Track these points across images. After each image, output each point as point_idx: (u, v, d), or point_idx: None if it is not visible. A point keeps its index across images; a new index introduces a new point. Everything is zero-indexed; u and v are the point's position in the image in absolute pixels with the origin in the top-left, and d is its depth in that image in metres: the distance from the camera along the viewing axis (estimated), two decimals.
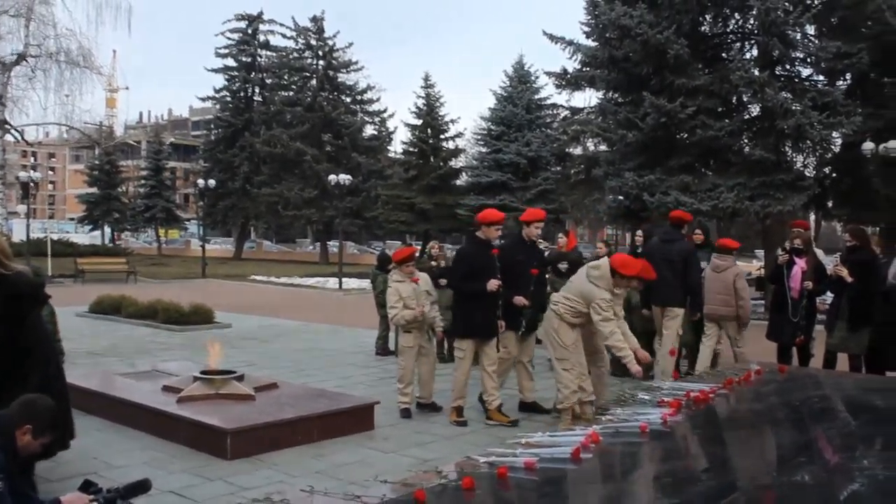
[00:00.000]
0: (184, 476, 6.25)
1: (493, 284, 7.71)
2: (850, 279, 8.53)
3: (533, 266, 8.28)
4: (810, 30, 23.96)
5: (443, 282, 10.76)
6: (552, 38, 26.97)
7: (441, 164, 47.15)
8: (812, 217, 30.63)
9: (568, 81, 27.36)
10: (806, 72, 24.76)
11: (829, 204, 26.52)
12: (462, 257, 8.46)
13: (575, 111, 30.00)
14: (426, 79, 47.46)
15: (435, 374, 8.89)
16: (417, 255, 9.43)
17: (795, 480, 4.20)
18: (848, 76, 24.22)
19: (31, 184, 33.79)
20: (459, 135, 48.96)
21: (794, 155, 24.59)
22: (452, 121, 47.73)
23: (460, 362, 8.14)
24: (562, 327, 7.44)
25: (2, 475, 3.70)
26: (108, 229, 63.16)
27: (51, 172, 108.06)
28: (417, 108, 47.34)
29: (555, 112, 38.98)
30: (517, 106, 41.82)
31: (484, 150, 44.02)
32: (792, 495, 3.98)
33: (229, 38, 53.63)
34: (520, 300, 7.93)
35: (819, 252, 10.10)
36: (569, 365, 7.45)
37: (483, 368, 8.16)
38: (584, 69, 26.68)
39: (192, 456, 6.76)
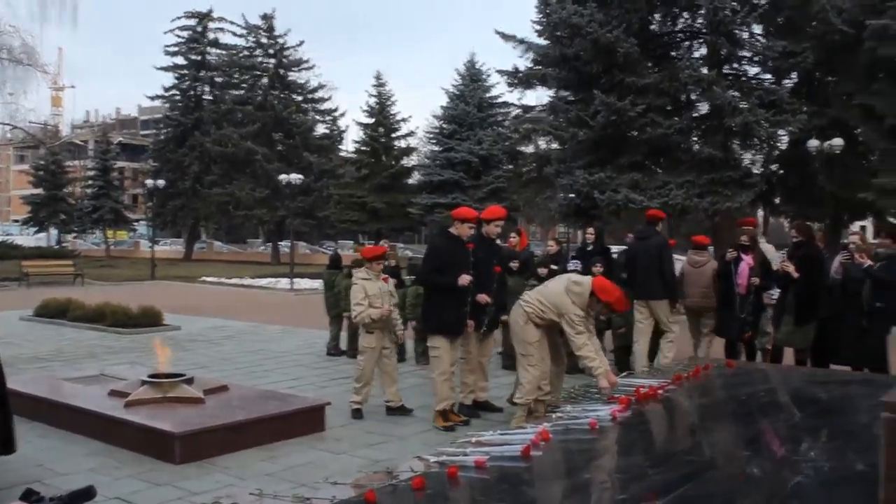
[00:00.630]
0: (131, 482, 6.15)
1: (464, 279, 7.65)
2: (796, 275, 8.66)
3: (494, 264, 8.28)
4: (757, 29, 24.39)
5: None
6: (504, 36, 27.12)
7: (393, 162, 47.16)
8: (760, 213, 31.11)
9: (519, 80, 27.55)
10: (753, 70, 25.21)
11: (776, 200, 27.00)
12: (433, 251, 8.26)
13: (527, 109, 30.21)
14: (378, 77, 47.51)
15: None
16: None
17: (743, 473, 4.25)
18: (794, 75, 24.71)
19: None
20: (411, 133, 49.10)
21: (741, 152, 25.00)
22: (404, 119, 47.85)
23: (437, 361, 7.87)
24: (528, 326, 7.42)
25: None
26: (53, 231, 62.02)
27: None
28: (369, 106, 47.32)
29: (506, 110, 39.27)
30: (469, 104, 41.95)
31: (436, 148, 44.09)
32: (739, 488, 4.03)
33: (178, 36, 53.06)
34: (483, 298, 7.90)
35: (768, 247, 10.24)
36: (533, 361, 7.39)
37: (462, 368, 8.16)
38: (535, 67, 26.89)
39: (140, 461, 6.65)
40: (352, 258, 13.66)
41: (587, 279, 7.45)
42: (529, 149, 32.55)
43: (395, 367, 8.70)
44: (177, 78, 53.45)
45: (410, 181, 47.49)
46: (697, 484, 3.96)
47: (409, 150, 49.43)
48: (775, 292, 9.53)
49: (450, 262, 7.79)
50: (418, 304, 11.18)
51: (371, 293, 8.24)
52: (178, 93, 53.61)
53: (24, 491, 3.80)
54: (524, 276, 11.15)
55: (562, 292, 7.24)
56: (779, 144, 25.12)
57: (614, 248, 13.60)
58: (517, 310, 7.53)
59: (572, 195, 25.12)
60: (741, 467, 4.33)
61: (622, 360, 10.32)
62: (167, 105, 54.74)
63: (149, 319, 15.48)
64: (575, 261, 11.29)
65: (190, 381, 7.97)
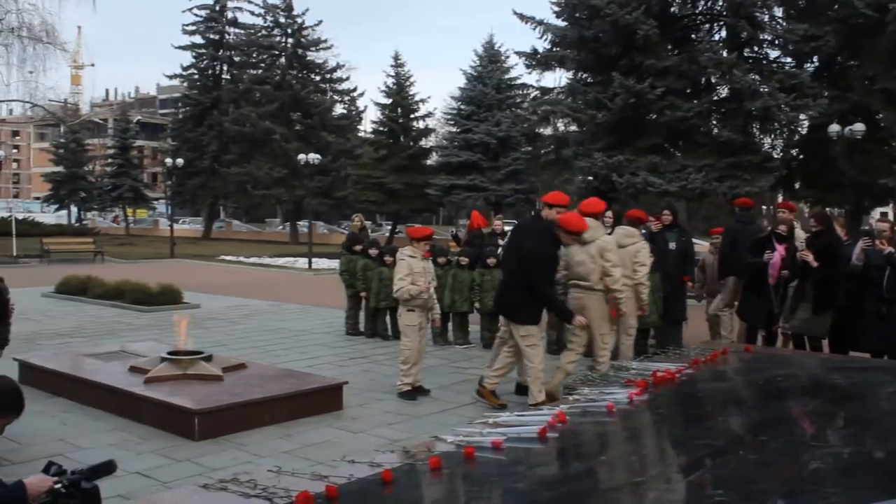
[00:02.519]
0: (151, 457, 6.22)
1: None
2: (815, 264, 8.61)
3: None
4: (778, 12, 24.18)
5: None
6: (522, 17, 26.93)
7: (411, 143, 47.04)
8: (779, 198, 30.92)
9: (538, 61, 27.37)
10: (773, 54, 25.01)
11: (796, 185, 26.80)
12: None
13: (545, 91, 30.04)
14: (396, 58, 47.25)
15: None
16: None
17: (760, 458, 4.25)
18: (815, 59, 24.48)
19: None
20: (429, 114, 48.88)
21: (761, 136, 24.85)
22: (422, 100, 47.58)
23: (537, 350, 7.53)
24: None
25: None
26: (74, 209, 62.43)
27: (15, 150, 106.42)
28: (387, 87, 47.12)
29: (525, 92, 39.04)
30: (487, 86, 41.75)
31: (454, 129, 43.92)
32: (757, 472, 4.03)
33: (197, 15, 52.99)
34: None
35: (800, 233, 10.10)
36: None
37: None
38: (553, 49, 26.71)
39: (160, 437, 6.72)
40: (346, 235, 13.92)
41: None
42: (548, 131, 32.36)
43: (424, 347, 8.67)
44: (195, 57, 53.43)
45: (428, 162, 47.34)
46: (714, 468, 3.97)
47: (427, 132, 49.26)
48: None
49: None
50: (443, 284, 11.28)
51: (416, 270, 8.31)
52: (196, 72, 53.61)
53: (46, 464, 3.86)
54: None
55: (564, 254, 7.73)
56: (799, 129, 24.97)
57: None
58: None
59: (590, 178, 25.01)
60: (758, 452, 4.33)
61: (638, 342, 10.30)
62: (185, 84, 54.76)
63: (168, 297, 15.58)
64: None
65: (209, 359, 8.03)
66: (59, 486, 3.62)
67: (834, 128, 21.63)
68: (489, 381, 7.90)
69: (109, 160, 61.70)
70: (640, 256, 8.89)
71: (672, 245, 10.20)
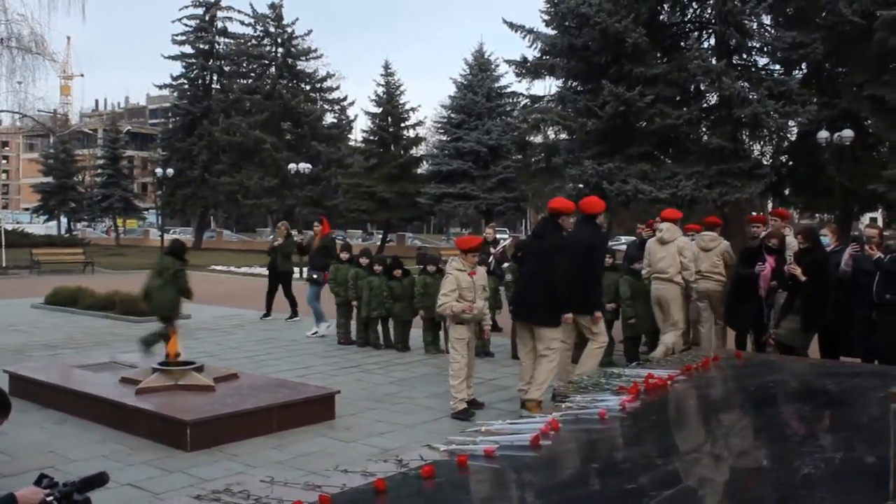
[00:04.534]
0: (143, 468, 6.20)
1: None
2: (803, 278, 8.64)
3: None
4: (766, 19, 24.27)
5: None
6: (512, 25, 26.97)
7: (401, 152, 47.10)
8: (769, 205, 31.02)
9: (528, 69, 27.40)
10: (762, 61, 25.08)
11: (786, 192, 26.88)
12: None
13: (535, 99, 30.06)
14: (386, 66, 47.37)
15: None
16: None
17: (752, 463, 4.27)
18: (803, 66, 24.57)
19: None
20: (420, 123, 48.98)
21: (751, 143, 24.89)
22: (413, 109, 47.68)
23: (554, 356, 7.77)
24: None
25: None
26: (64, 219, 62.26)
27: (4, 161, 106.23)
28: (377, 95, 47.21)
29: (515, 100, 39.04)
30: (477, 94, 41.87)
31: (444, 138, 44.02)
32: (749, 478, 4.04)
33: (186, 25, 53.01)
34: None
35: (793, 242, 10.08)
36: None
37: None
38: (543, 57, 26.74)
39: (152, 448, 6.70)
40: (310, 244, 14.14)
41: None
42: (538, 139, 32.37)
43: (473, 362, 8.35)
44: (185, 67, 53.42)
45: (419, 171, 47.43)
46: (707, 475, 3.98)
47: (417, 140, 49.35)
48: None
49: None
50: (427, 294, 11.25)
51: (464, 286, 7.94)
52: (186, 82, 53.60)
53: (38, 476, 3.84)
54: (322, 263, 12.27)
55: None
56: (788, 135, 25.04)
57: (623, 240, 13.60)
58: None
59: (581, 185, 25.02)
60: (750, 458, 4.35)
61: (630, 350, 10.32)
62: (175, 94, 54.75)
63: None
64: None
65: (200, 369, 8.01)
66: (50, 498, 3.60)
67: (823, 134, 21.72)
68: (531, 394, 7.75)
69: (99, 170, 61.64)
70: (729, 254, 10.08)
71: None
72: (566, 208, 8.16)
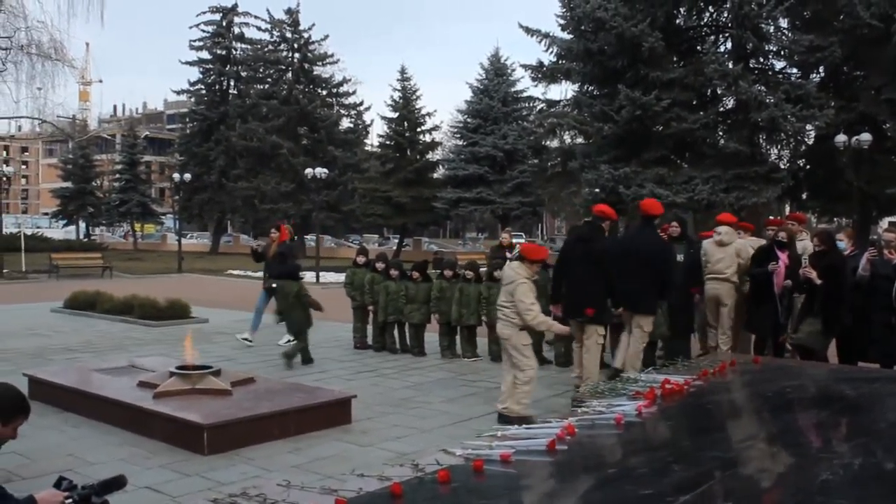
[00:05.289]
0: (160, 472, 6.24)
1: None
2: (818, 281, 8.60)
3: None
4: (783, 23, 24.21)
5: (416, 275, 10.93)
6: (528, 30, 27.02)
7: (418, 157, 47.16)
8: (787, 209, 30.90)
9: (544, 74, 27.44)
10: (779, 65, 25.03)
11: (803, 196, 26.77)
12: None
13: (551, 104, 30.09)
14: (402, 71, 47.44)
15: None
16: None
17: (770, 470, 4.25)
18: (821, 69, 24.48)
19: (4, 178, 33.46)
20: (436, 128, 49.07)
21: (768, 147, 24.84)
22: (429, 114, 47.77)
23: (598, 349, 8.73)
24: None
25: None
26: (82, 224, 62.66)
27: (24, 167, 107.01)
28: (394, 101, 47.30)
29: (531, 105, 39.16)
30: (493, 99, 41.92)
31: (460, 142, 44.10)
32: (766, 485, 4.03)
33: (204, 31, 53.29)
34: None
35: (808, 245, 10.06)
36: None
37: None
38: (559, 62, 26.78)
39: (169, 451, 6.74)
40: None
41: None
42: (554, 143, 32.42)
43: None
44: (202, 72, 53.70)
45: (435, 175, 47.47)
46: (723, 480, 3.96)
47: (433, 145, 49.40)
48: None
49: None
50: (443, 298, 11.27)
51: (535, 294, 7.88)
52: (203, 87, 53.87)
53: (57, 479, 3.88)
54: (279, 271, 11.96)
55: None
56: (806, 139, 24.95)
57: None
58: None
59: (597, 190, 25.02)
60: (768, 464, 4.33)
61: (647, 355, 10.27)
62: (193, 99, 55.05)
63: (176, 312, 15.62)
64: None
65: (217, 373, 8.05)
66: (69, 501, 3.64)
67: (840, 138, 21.61)
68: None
69: (117, 175, 62.08)
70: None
71: (680, 257, 10.19)
72: (608, 214, 9.02)
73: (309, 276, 28.05)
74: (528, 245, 8.01)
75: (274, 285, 12.40)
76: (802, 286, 8.93)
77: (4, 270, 28.41)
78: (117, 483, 3.92)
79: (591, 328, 8.58)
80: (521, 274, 7.73)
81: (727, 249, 9.89)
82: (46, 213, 75.35)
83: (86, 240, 53.46)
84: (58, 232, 57.07)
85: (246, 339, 12.85)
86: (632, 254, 8.79)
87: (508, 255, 12.75)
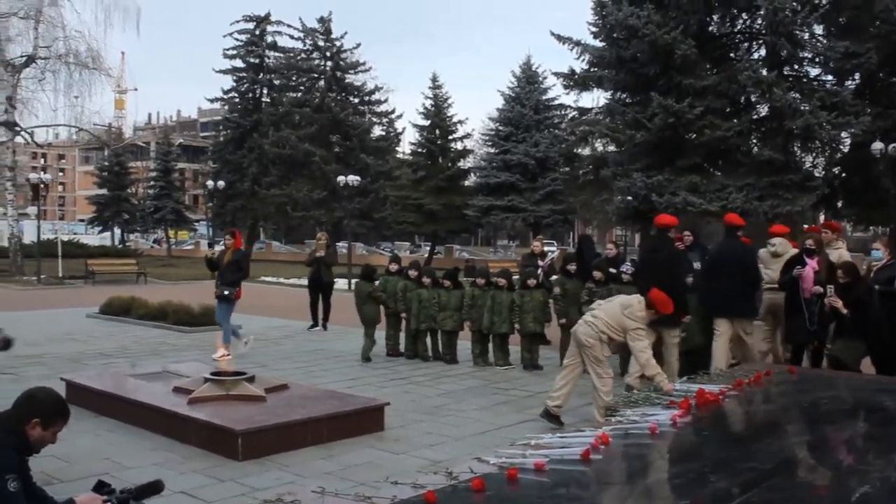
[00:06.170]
0: (195, 477, 6.28)
1: None
2: (844, 311, 8.52)
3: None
4: (818, 29, 23.99)
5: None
6: (560, 38, 26.97)
7: (449, 164, 47.16)
8: (821, 217, 30.57)
9: (576, 82, 27.37)
10: (814, 72, 24.80)
11: (839, 204, 26.48)
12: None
13: (583, 112, 29.99)
14: (434, 79, 47.48)
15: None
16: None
17: (808, 481, 4.21)
18: (856, 76, 24.22)
19: (41, 185, 33.88)
20: (468, 135, 48.99)
21: (802, 155, 24.61)
22: (460, 121, 47.71)
23: (677, 347, 9.36)
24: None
25: (13, 475, 3.70)
26: (117, 230, 63.37)
27: (60, 174, 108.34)
28: (425, 108, 47.35)
29: (563, 112, 38.94)
30: (525, 106, 41.82)
31: (492, 150, 44.02)
32: (805, 496, 3.99)
33: (237, 40, 53.69)
34: None
35: (845, 254, 10.00)
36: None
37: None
38: (591, 69, 26.70)
39: (204, 457, 6.79)
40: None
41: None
42: (586, 151, 32.28)
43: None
44: (235, 81, 54.09)
45: (467, 183, 47.44)
46: (759, 492, 3.93)
47: (465, 153, 49.38)
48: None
49: None
50: (474, 306, 11.28)
51: None
52: (236, 95, 54.26)
53: (97, 482, 3.94)
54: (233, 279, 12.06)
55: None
56: (841, 147, 24.69)
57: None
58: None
59: (630, 198, 24.91)
60: (806, 475, 4.28)
61: (682, 364, 10.20)
62: (226, 107, 55.45)
63: (210, 318, 15.62)
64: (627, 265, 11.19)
65: (251, 380, 8.09)
66: None
67: (877, 145, 21.37)
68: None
69: (152, 182, 62.75)
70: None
71: (696, 265, 10.18)
72: (670, 222, 9.96)
73: (341, 284, 28.22)
74: (660, 296, 7.85)
75: (226, 292, 12.16)
76: (831, 314, 8.87)
77: (42, 276, 28.80)
78: (154, 488, 3.98)
79: (671, 329, 9.19)
80: (640, 318, 7.58)
81: (781, 260, 9.86)
82: (82, 220, 76.22)
83: (121, 246, 54.04)
84: (93, 238, 57.65)
85: (225, 356, 11.88)
86: (724, 262, 9.51)
87: (540, 262, 12.76)
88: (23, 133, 35.47)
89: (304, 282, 29.56)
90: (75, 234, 56.43)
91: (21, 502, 3.69)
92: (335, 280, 16.26)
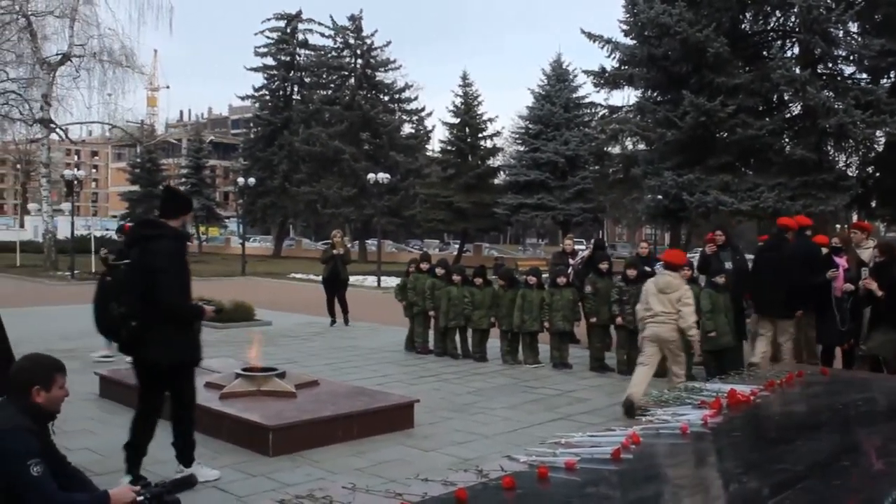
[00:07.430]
0: (226, 471, 6.33)
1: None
2: (879, 293, 8.42)
3: None
4: (853, 27, 23.75)
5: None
6: (590, 36, 26.89)
7: (479, 162, 47.16)
8: (854, 217, 30.24)
9: (606, 80, 27.30)
10: (848, 70, 24.56)
11: (872, 204, 26.19)
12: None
13: (613, 110, 29.91)
14: (464, 77, 47.53)
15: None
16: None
17: (841, 484, 4.17)
18: (892, 74, 23.94)
19: (75, 182, 34.34)
20: (497, 133, 48.97)
21: (836, 154, 24.38)
22: (490, 119, 47.73)
23: (791, 340, 9.66)
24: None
25: (36, 459, 3.63)
26: None
27: (94, 170, 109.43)
28: (455, 106, 47.37)
29: (593, 111, 38.89)
30: (555, 104, 41.70)
31: (522, 148, 43.97)
32: (838, 498, 3.95)
33: (268, 38, 54.05)
34: None
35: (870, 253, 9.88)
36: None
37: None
38: (622, 67, 26.62)
39: (235, 452, 6.84)
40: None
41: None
42: (616, 149, 32.18)
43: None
44: (266, 78, 54.44)
45: (496, 181, 47.43)
46: (791, 494, 3.90)
47: (495, 151, 49.37)
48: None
49: None
50: (499, 305, 11.30)
51: None
52: (267, 93, 54.61)
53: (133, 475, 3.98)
54: None
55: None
56: (875, 146, 24.42)
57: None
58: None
59: (660, 196, 24.79)
60: (839, 478, 4.25)
61: (711, 364, 10.15)
62: (257, 105, 55.82)
63: (241, 314, 15.80)
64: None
65: (282, 376, 8.13)
66: (141, 498, 3.74)
67: None
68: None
69: (183, 179, 63.21)
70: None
71: (728, 265, 10.12)
72: (790, 224, 10.02)
73: (370, 281, 28.32)
74: (670, 253, 8.43)
75: None
76: (866, 299, 8.75)
77: (76, 271, 29.12)
78: (188, 482, 4.03)
79: (784, 322, 9.50)
80: (680, 283, 8.37)
81: None
82: (115, 216, 77.00)
83: None
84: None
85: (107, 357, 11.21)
86: (795, 260, 9.57)
87: (571, 261, 12.71)
88: (57, 130, 35.91)
89: None
90: (108, 230, 57.00)
91: (49, 486, 3.62)
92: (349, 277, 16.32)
